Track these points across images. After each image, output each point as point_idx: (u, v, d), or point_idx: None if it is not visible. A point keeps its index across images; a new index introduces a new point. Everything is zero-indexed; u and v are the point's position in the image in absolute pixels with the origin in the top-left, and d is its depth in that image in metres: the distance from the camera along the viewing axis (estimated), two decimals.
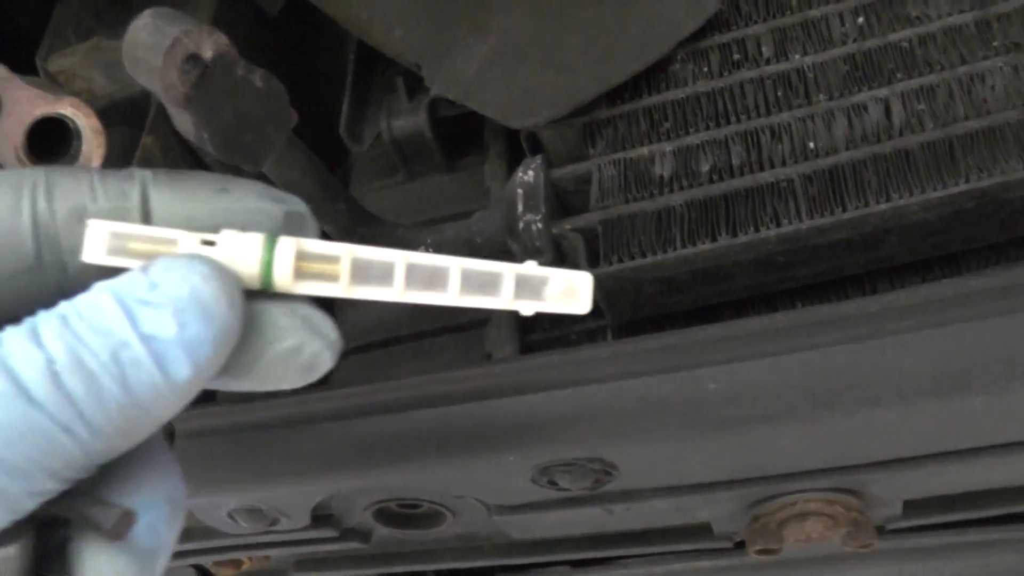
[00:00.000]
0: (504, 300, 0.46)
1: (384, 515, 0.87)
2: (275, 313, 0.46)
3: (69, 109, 0.61)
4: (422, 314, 0.92)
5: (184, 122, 0.71)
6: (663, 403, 0.70)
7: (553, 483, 0.76)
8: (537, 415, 0.72)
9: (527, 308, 0.46)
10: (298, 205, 0.49)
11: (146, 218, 0.47)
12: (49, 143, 0.61)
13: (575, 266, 0.78)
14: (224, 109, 0.68)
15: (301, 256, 0.46)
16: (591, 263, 0.78)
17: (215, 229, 0.46)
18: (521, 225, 0.80)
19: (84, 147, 0.62)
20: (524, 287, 0.46)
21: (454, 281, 0.46)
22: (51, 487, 0.41)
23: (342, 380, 0.94)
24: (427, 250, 0.84)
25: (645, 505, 0.81)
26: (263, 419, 0.80)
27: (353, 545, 0.92)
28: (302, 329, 0.46)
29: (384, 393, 0.76)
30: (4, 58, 0.62)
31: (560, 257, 0.81)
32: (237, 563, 1.03)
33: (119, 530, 0.44)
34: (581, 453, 0.73)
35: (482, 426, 0.73)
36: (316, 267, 0.46)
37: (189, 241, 0.45)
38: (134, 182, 0.47)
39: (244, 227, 0.47)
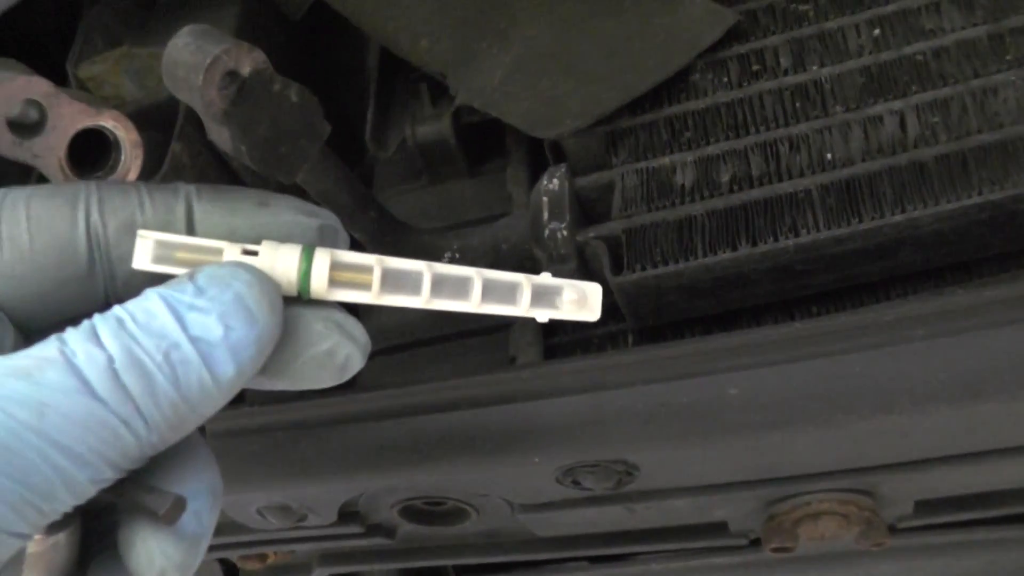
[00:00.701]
0: (521, 308, 0.50)
1: (410, 512, 0.89)
2: (311, 319, 0.50)
3: (110, 122, 0.63)
4: (447, 318, 0.94)
5: (222, 136, 0.73)
6: (685, 407, 0.72)
7: (577, 483, 0.78)
8: (563, 418, 0.74)
9: (542, 315, 0.50)
10: (330, 219, 0.52)
11: (190, 230, 0.50)
12: (89, 153, 0.63)
13: (599, 273, 0.81)
14: (261, 123, 0.70)
15: (335, 266, 0.49)
16: (614, 270, 0.80)
17: (255, 241, 0.49)
18: (546, 233, 0.82)
19: (123, 158, 0.64)
20: (540, 296, 0.50)
21: (476, 290, 0.49)
22: (109, 476, 0.44)
23: (368, 382, 0.96)
24: (453, 256, 0.86)
25: (665, 504, 0.83)
26: (294, 420, 0.82)
27: (378, 540, 0.94)
28: (336, 334, 0.50)
29: (413, 396, 0.78)
30: (29, 63, 0.64)
31: (583, 264, 0.83)
32: (263, 557, 1.05)
33: (172, 515, 0.47)
34: (605, 455, 0.75)
35: (509, 429, 0.75)
36: (348, 276, 0.49)
37: (232, 251, 0.48)
38: (179, 197, 0.50)
39: (281, 239, 0.50)
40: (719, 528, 0.90)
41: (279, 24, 1.02)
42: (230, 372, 0.45)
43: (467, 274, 0.49)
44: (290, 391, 0.52)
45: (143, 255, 0.48)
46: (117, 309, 0.45)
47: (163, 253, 0.48)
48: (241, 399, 0.96)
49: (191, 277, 0.46)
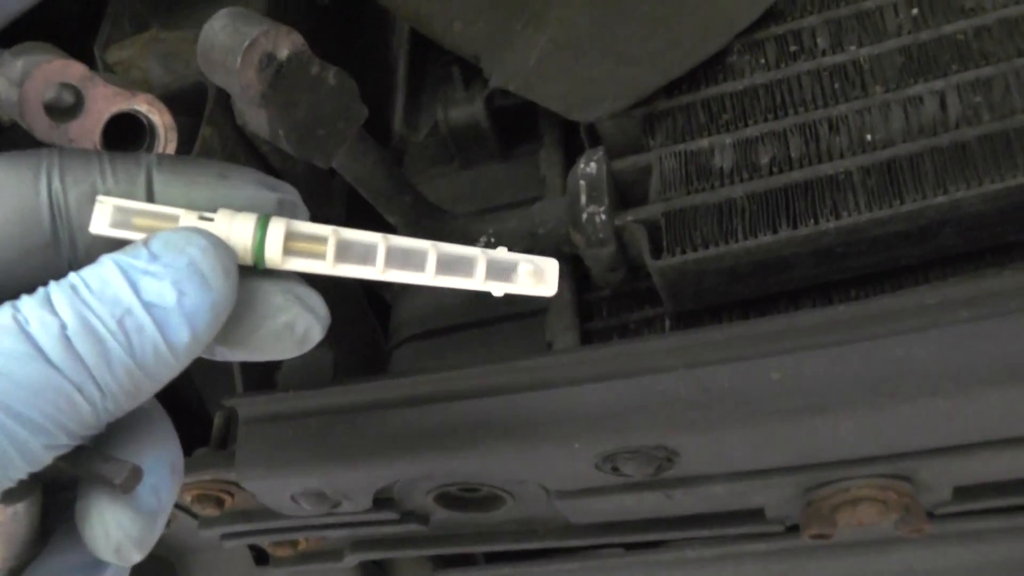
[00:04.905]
0: (477, 281, 0.50)
1: (445, 499, 0.88)
2: (270, 290, 0.50)
3: (144, 106, 0.62)
4: (482, 302, 0.93)
5: (258, 119, 0.72)
6: (728, 392, 0.71)
7: (616, 469, 0.78)
8: (603, 404, 0.74)
9: (498, 289, 0.50)
10: (291, 193, 0.53)
11: (150, 201, 0.50)
12: (123, 137, 0.63)
13: (638, 258, 0.80)
14: (299, 106, 0.70)
15: (291, 235, 0.49)
16: (654, 254, 0.79)
17: (214, 212, 0.49)
18: (584, 216, 0.81)
19: (157, 142, 0.64)
20: (495, 270, 0.50)
21: (431, 263, 0.49)
22: (64, 442, 0.45)
23: (403, 367, 0.95)
24: (489, 240, 0.86)
25: (703, 490, 0.82)
26: (329, 405, 0.81)
27: (411, 527, 0.93)
28: (296, 306, 0.50)
29: (449, 381, 0.78)
30: (57, 44, 0.64)
31: (622, 248, 0.82)
32: (294, 543, 1.05)
33: (128, 484, 0.47)
34: (646, 441, 0.74)
35: (548, 414, 0.75)
36: (304, 246, 0.50)
37: (189, 218, 0.49)
38: (140, 167, 0.50)
39: (240, 211, 0.50)
40: (756, 514, 0.90)
41: (308, 6, 1.02)
42: (185, 338, 0.45)
43: (422, 247, 0.50)
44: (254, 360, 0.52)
45: (101, 220, 0.48)
46: (72, 276, 0.45)
47: (121, 218, 0.48)
48: (274, 385, 0.96)
49: (146, 243, 0.47)
